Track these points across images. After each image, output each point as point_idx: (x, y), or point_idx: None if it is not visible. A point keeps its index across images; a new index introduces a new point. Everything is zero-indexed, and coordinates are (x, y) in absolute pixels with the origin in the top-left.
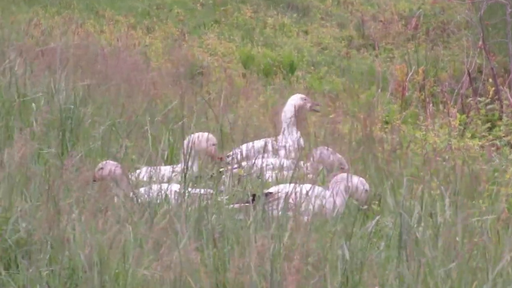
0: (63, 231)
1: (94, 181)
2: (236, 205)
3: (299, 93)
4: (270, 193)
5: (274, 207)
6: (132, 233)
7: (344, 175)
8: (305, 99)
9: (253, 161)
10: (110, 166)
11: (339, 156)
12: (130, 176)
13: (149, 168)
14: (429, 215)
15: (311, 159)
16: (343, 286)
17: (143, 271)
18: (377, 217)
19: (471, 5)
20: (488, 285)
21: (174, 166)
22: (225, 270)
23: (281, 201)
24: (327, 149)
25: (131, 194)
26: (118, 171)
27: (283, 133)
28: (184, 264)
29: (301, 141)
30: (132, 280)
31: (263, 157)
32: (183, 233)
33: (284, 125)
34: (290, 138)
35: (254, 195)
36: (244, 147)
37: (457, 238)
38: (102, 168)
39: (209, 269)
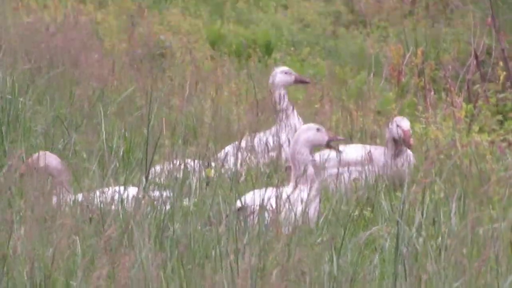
0: (1, 245)
1: (21, 174)
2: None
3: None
4: (243, 207)
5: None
6: (80, 245)
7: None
8: (286, 72)
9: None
10: (48, 157)
11: None
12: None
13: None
14: (432, 223)
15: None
16: None
17: None
18: (371, 227)
19: None
20: None
21: None
22: None
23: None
24: None
25: (80, 197)
26: (58, 165)
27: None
28: (144, 282)
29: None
30: None
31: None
32: (142, 245)
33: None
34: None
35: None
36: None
37: (463, 251)
38: (37, 158)
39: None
